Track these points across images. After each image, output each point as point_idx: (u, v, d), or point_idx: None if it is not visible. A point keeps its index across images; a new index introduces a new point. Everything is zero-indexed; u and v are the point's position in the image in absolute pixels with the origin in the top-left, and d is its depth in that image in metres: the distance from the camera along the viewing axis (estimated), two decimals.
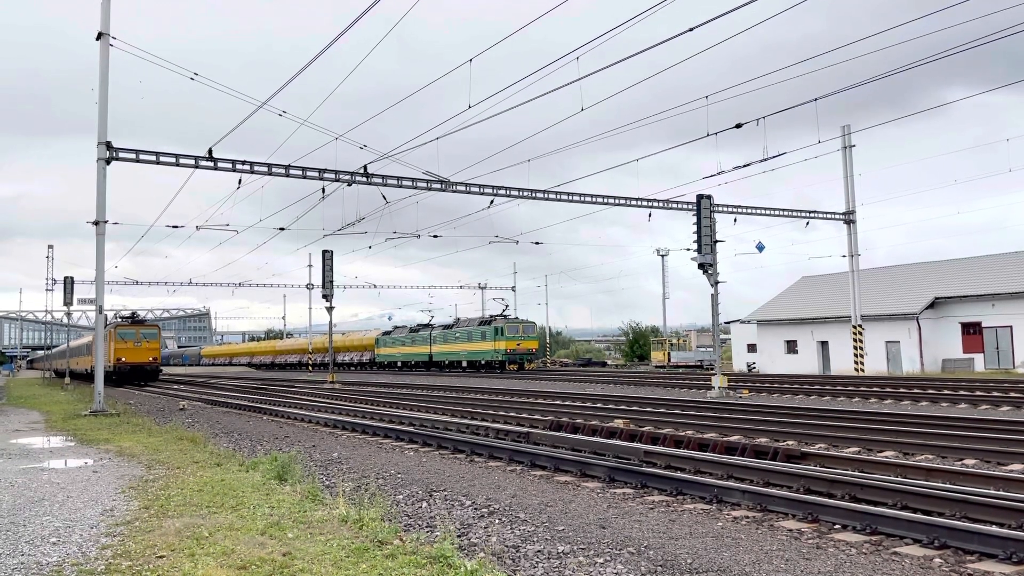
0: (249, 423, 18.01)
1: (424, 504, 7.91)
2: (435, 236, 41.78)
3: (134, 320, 48.15)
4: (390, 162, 25.81)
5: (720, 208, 32.47)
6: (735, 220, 34.77)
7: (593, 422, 15.05)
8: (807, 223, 37.40)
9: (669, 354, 62.88)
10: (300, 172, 25.80)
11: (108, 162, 21.98)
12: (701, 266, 25.68)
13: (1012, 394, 20.78)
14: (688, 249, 26.28)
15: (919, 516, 6.44)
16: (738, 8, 14.35)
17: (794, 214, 36.96)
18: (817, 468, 9.17)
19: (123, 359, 44.88)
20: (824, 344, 46.55)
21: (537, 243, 51.31)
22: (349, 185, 26.92)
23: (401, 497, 8.28)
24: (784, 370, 45.87)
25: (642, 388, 29.67)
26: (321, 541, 5.82)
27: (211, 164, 24.26)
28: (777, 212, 36.49)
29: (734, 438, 12.52)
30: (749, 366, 53.22)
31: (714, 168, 31.09)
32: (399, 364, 66.24)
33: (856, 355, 37.15)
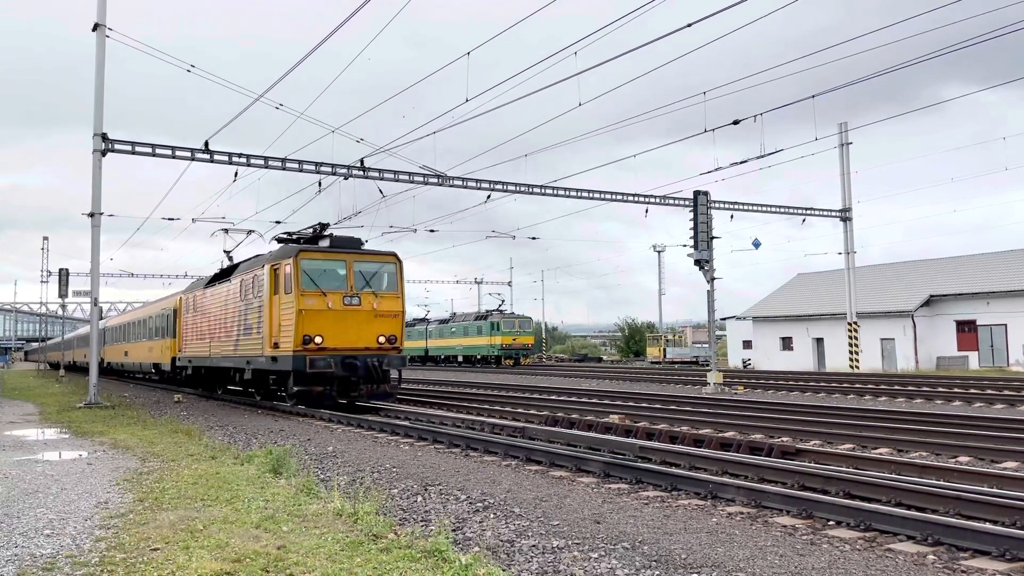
0: (244, 417, 17.97)
1: (419, 498, 7.91)
2: (431, 231, 41.78)
3: (336, 241, 18.59)
4: (387, 156, 25.79)
5: (717, 204, 32.49)
6: (732, 216, 34.88)
7: (589, 417, 15.06)
8: (803, 220, 37.48)
9: (665, 350, 62.99)
10: (296, 165, 25.75)
11: (104, 154, 21.89)
12: (697, 262, 25.70)
13: (1006, 392, 20.84)
14: (684, 245, 26.38)
15: (913, 513, 6.46)
16: (736, 5, 14.32)
17: (790, 211, 37.00)
18: (811, 465, 9.19)
19: (319, 341, 16.89)
20: (819, 341, 46.67)
21: (533, 238, 51.41)
22: (346, 179, 26.90)
23: (396, 491, 8.27)
24: (779, 367, 45.97)
25: (638, 384, 29.70)
26: (316, 535, 5.81)
27: (207, 157, 24.19)
28: (774, 209, 36.52)
29: (729, 434, 12.53)
30: (744, 362, 53.33)
31: (711, 164, 31.09)
32: None
33: (851, 352, 37.23)
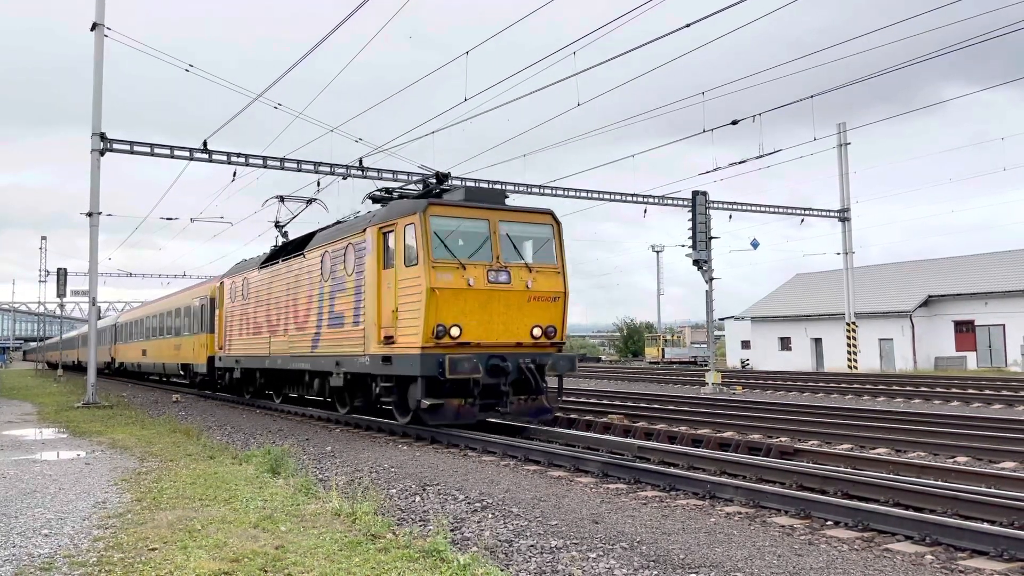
0: (243, 416, 17.97)
1: (417, 498, 7.91)
2: None
3: (472, 193, 13.71)
4: (385, 155, 25.79)
5: (715, 205, 32.52)
6: (730, 217, 34.94)
7: (587, 417, 15.06)
8: (802, 220, 37.52)
9: (663, 350, 63.01)
10: (295, 165, 25.74)
11: (102, 153, 21.87)
12: (696, 262, 25.71)
13: (1004, 392, 20.88)
14: (683, 245, 26.46)
15: (911, 513, 6.47)
16: (735, 5, 14.33)
17: (789, 211, 37.02)
18: (810, 465, 9.19)
19: (455, 334, 12.07)
20: (818, 341, 46.70)
21: None
22: (344, 179, 26.89)
23: (394, 491, 8.27)
24: (778, 367, 45.99)
25: (636, 384, 29.71)
26: (314, 534, 5.81)
27: (206, 156, 24.17)
28: (772, 209, 36.54)
29: (727, 434, 12.54)
30: (743, 362, 53.36)
31: (710, 164, 31.16)
32: None
33: (849, 352, 37.26)
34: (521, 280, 12.74)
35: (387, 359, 12.89)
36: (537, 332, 12.85)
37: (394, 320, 12.74)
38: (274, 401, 19.50)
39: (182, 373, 27.83)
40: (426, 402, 12.07)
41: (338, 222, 16.82)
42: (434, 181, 14.31)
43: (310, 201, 21.49)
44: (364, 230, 13.94)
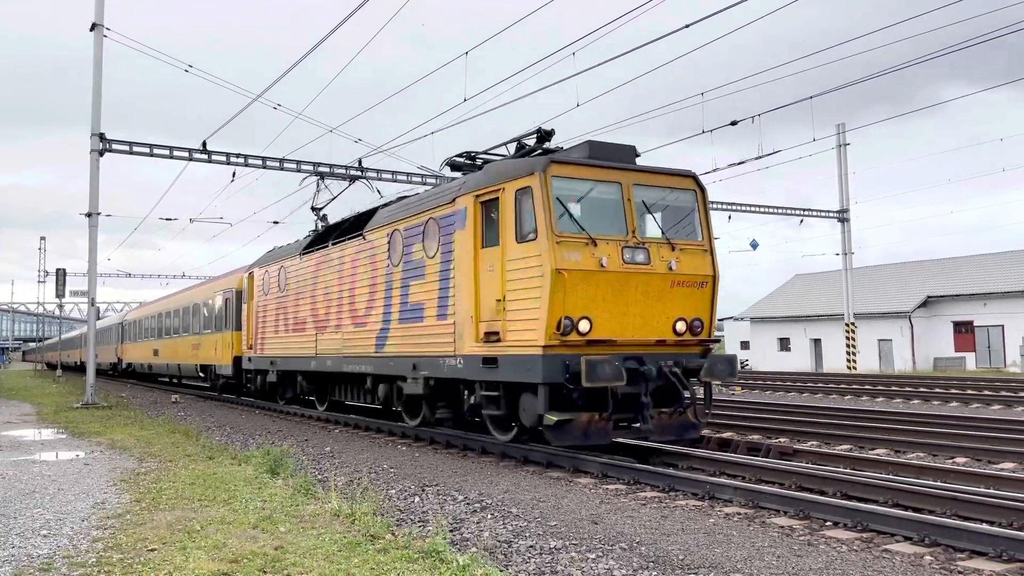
0: (242, 417, 17.97)
1: (416, 499, 7.91)
2: None
3: (597, 150, 10.42)
4: (385, 156, 25.81)
5: (715, 205, 32.54)
6: (730, 217, 34.95)
7: None
8: (801, 221, 37.55)
9: None
10: (294, 165, 25.72)
11: (101, 154, 21.86)
12: None
13: (1003, 393, 20.89)
14: None
15: (910, 514, 6.47)
16: (734, 5, 14.34)
17: (788, 212, 37.04)
18: (809, 465, 9.20)
19: (584, 328, 9.40)
20: (817, 342, 46.76)
21: None
22: (344, 179, 26.88)
23: (394, 492, 8.27)
24: (777, 367, 46.02)
25: None
26: (313, 535, 5.81)
27: (205, 157, 24.13)
28: (771, 209, 36.56)
29: (727, 435, 12.54)
30: (742, 363, 53.43)
31: (709, 165, 31.23)
32: None
33: (849, 353, 37.29)
34: (662, 260, 10.10)
35: (490, 361, 10.24)
36: (681, 327, 10.20)
37: (500, 312, 10.09)
38: (317, 409, 17.11)
39: (201, 375, 25.66)
40: (552, 417, 9.35)
41: (400, 198, 14.49)
42: (531, 143, 11.65)
43: (354, 179, 18.84)
44: (453, 200, 11.24)
